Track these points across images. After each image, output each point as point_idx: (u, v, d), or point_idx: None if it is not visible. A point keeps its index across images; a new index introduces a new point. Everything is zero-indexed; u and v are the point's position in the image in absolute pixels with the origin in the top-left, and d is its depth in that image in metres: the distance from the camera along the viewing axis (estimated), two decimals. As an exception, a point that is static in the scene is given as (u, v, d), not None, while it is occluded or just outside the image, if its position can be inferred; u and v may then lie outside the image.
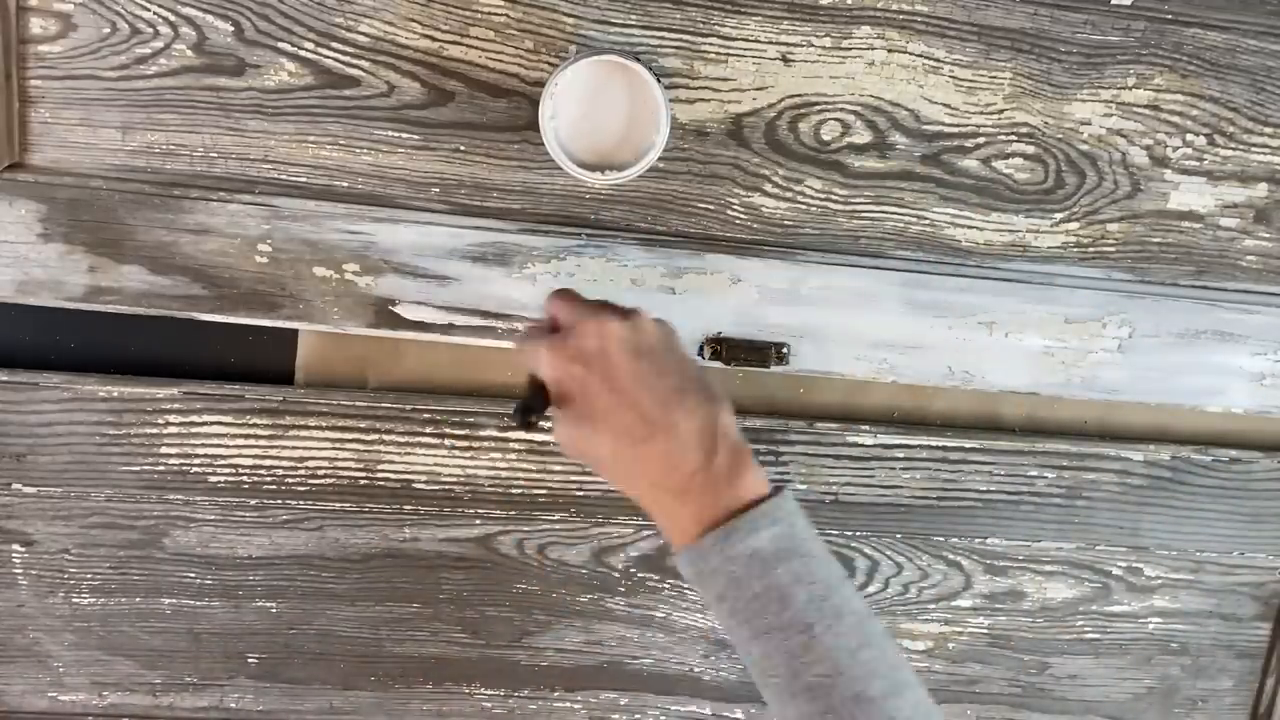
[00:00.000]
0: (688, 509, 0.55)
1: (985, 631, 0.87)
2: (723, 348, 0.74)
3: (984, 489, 0.83)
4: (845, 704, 0.52)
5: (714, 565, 0.54)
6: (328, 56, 0.67)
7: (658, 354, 0.57)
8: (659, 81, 0.65)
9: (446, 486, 0.78)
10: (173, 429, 0.75)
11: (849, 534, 0.83)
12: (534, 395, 0.58)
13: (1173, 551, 0.86)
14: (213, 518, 0.77)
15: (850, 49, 0.69)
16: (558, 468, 0.79)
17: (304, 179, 0.69)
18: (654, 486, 0.56)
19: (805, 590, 0.53)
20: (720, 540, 0.54)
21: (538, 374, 0.58)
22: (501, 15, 0.67)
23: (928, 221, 0.74)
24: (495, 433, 0.77)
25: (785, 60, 0.70)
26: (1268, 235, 0.77)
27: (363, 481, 0.78)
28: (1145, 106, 0.73)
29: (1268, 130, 0.74)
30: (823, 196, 0.73)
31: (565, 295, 0.61)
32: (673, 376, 0.56)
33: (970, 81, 0.71)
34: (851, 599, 0.54)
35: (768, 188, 0.72)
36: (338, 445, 0.77)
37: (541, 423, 0.57)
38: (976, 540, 0.84)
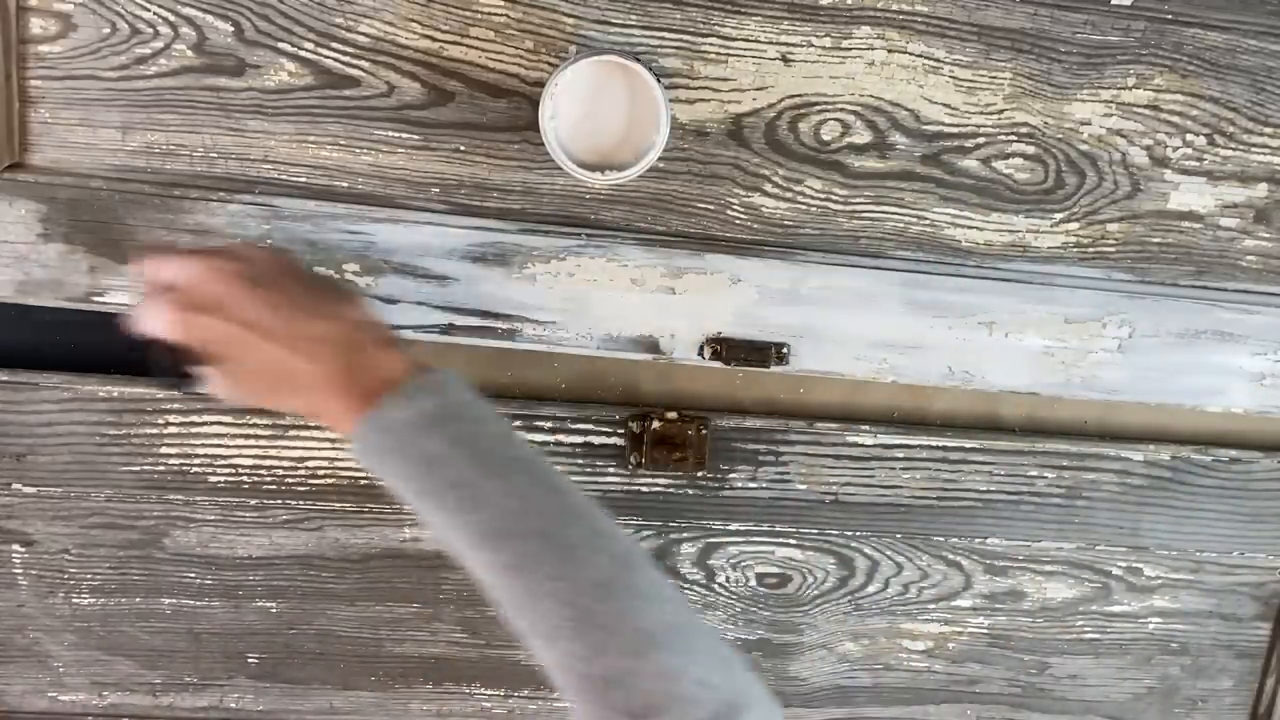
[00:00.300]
0: (347, 404, 0.57)
1: (985, 631, 0.87)
2: (723, 348, 0.74)
3: (984, 489, 0.83)
4: (532, 540, 0.53)
5: (375, 443, 0.56)
6: (328, 56, 0.67)
7: (273, 276, 0.58)
8: (659, 81, 0.65)
9: (446, 486, 0.78)
10: (173, 429, 0.75)
11: (849, 534, 0.83)
12: (170, 361, 0.59)
13: (1173, 551, 0.86)
14: (213, 518, 0.77)
15: (850, 49, 0.69)
16: (558, 468, 0.79)
17: (304, 179, 0.69)
18: (312, 397, 0.57)
19: (464, 449, 0.55)
20: (372, 418, 0.55)
21: (166, 338, 0.58)
22: (501, 15, 0.67)
23: (928, 221, 0.74)
24: (495, 433, 0.77)
25: (785, 60, 0.70)
26: (1268, 235, 0.77)
27: (363, 481, 0.78)
28: (1145, 106, 0.73)
29: (1268, 130, 0.74)
30: (823, 196, 0.73)
31: (160, 254, 0.60)
32: (293, 291, 0.58)
33: (970, 81, 0.71)
34: (521, 456, 0.57)
35: (768, 188, 0.72)
36: (338, 445, 0.76)
37: (195, 380, 0.59)
38: (976, 540, 0.84)
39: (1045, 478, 0.83)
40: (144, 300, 0.59)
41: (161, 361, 0.59)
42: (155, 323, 0.58)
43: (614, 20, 0.68)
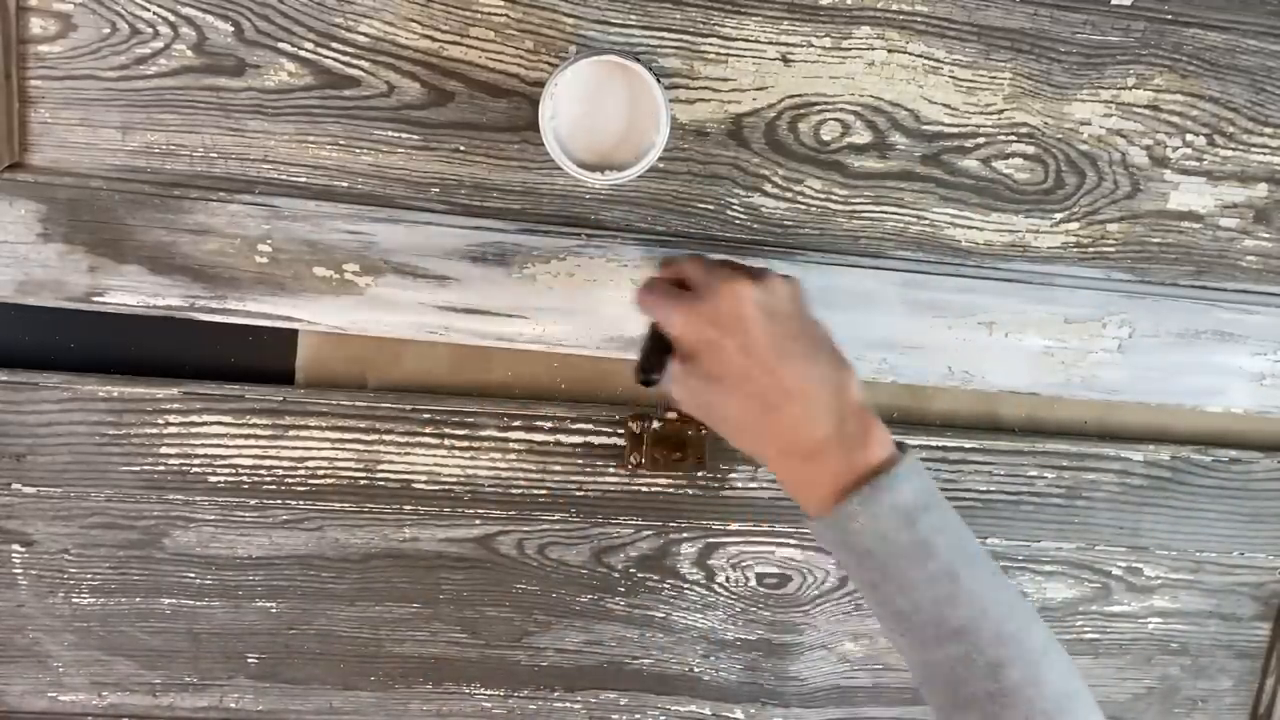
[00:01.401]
0: (823, 474, 0.55)
1: (985, 631, 0.87)
2: (723, 348, 0.74)
3: (984, 489, 0.83)
4: (990, 643, 0.54)
5: (860, 524, 0.55)
6: (328, 56, 0.67)
7: (790, 317, 0.57)
8: (659, 81, 0.65)
9: (446, 486, 0.78)
10: (173, 429, 0.75)
11: (849, 534, 0.83)
12: (654, 350, 0.58)
13: (1173, 551, 0.86)
14: (213, 518, 0.77)
15: (850, 49, 0.69)
16: (558, 468, 0.79)
17: (304, 179, 0.69)
18: (783, 453, 0.56)
19: (944, 539, 0.55)
20: (866, 499, 0.54)
21: (661, 329, 0.58)
22: (501, 15, 0.67)
23: (928, 221, 0.74)
24: (495, 433, 0.77)
25: (785, 60, 0.70)
26: (1268, 235, 0.77)
27: (363, 481, 0.78)
28: (1145, 106, 0.73)
29: (1268, 130, 0.74)
30: (823, 196, 0.73)
31: (694, 257, 0.61)
32: (804, 340, 0.57)
33: (970, 81, 0.71)
34: (976, 543, 0.56)
35: (768, 188, 0.72)
36: (338, 445, 0.77)
37: (660, 376, 0.58)
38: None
39: (1045, 478, 0.83)
40: (654, 286, 0.60)
41: (647, 348, 0.59)
42: (661, 314, 0.58)
43: (614, 20, 0.68)
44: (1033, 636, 0.55)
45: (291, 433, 0.76)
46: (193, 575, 0.79)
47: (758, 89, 0.70)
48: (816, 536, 0.57)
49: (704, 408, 0.58)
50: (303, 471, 0.77)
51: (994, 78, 0.71)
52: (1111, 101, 0.72)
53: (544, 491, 0.79)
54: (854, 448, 0.56)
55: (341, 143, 0.69)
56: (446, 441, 0.77)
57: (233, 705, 0.82)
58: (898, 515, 0.55)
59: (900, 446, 0.58)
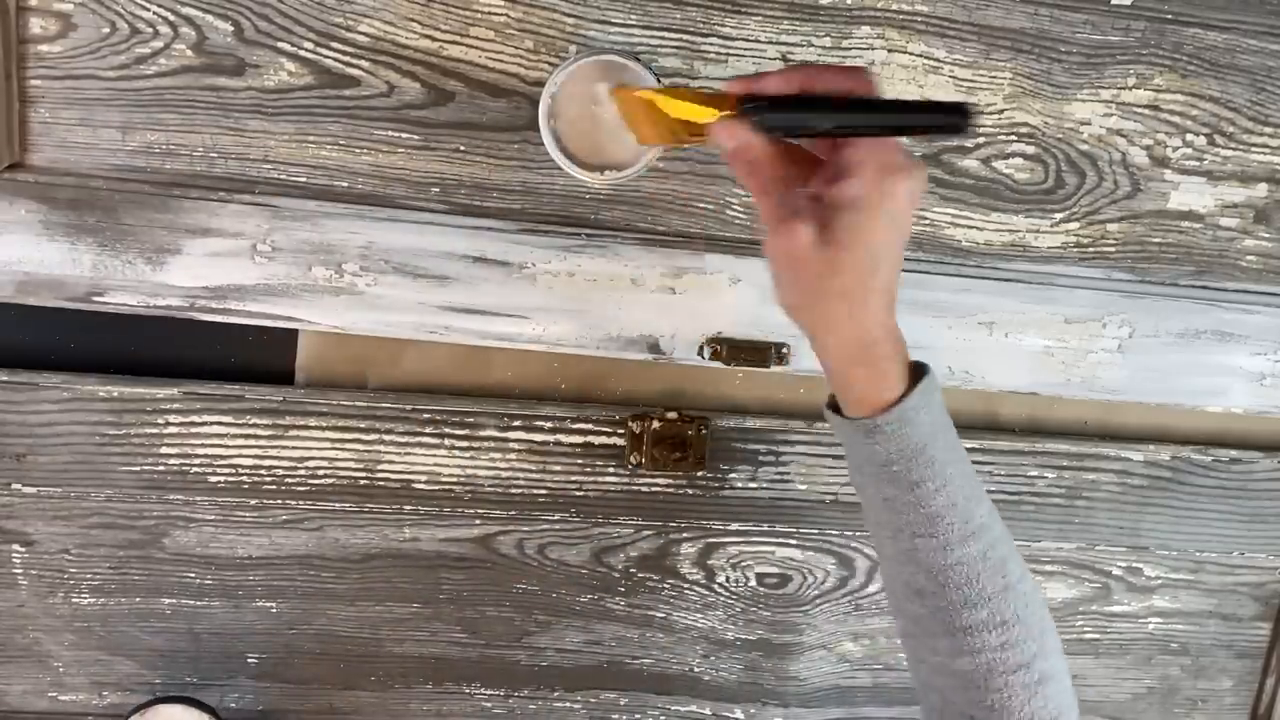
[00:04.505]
0: (890, 367, 0.55)
1: (985, 631, 0.87)
2: (723, 348, 0.74)
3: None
4: (999, 539, 0.57)
5: (921, 420, 0.55)
6: (328, 56, 0.67)
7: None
8: (659, 81, 0.65)
9: (446, 486, 0.78)
10: (173, 429, 0.75)
11: (849, 534, 0.83)
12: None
13: (1173, 551, 0.86)
14: (213, 518, 0.77)
15: (850, 49, 0.69)
16: (558, 468, 0.79)
17: (304, 179, 0.69)
18: (856, 341, 0.55)
19: (960, 451, 0.57)
20: (926, 390, 0.55)
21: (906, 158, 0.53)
22: (501, 15, 0.67)
23: (928, 221, 0.74)
24: (495, 433, 0.77)
25: (785, 60, 0.69)
26: (1268, 235, 0.77)
27: (363, 481, 0.78)
28: (1145, 106, 0.73)
29: (1268, 130, 0.74)
30: (823, 196, 0.73)
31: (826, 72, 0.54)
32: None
33: (970, 81, 0.71)
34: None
35: (768, 188, 0.72)
36: (338, 445, 0.76)
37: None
38: (976, 540, 0.84)
39: (1045, 478, 0.83)
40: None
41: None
42: (905, 169, 0.52)
43: (614, 20, 0.68)
44: (1009, 536, 0.58)
45: (291, 433, 0.76)
46: (193, 575, 0.79)
47: (758, 89, 0.70)
48: (852, 438, 0.56)
49: (819, 276, 0.54)
50: (303, 471, 0.77)
51: (994, 78, 0.71)
52: (1112, 101, 0.72)
53: (544, 491, 0.79)
54: (902, 347, 0.56)
55: (341, 143, 0.69)
56: (446, 441, 0.77)
57: (233, 705, 0.82)
58: (943, 410, 0.56)
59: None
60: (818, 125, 0.53)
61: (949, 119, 0.52)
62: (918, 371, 0.56)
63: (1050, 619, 0.59)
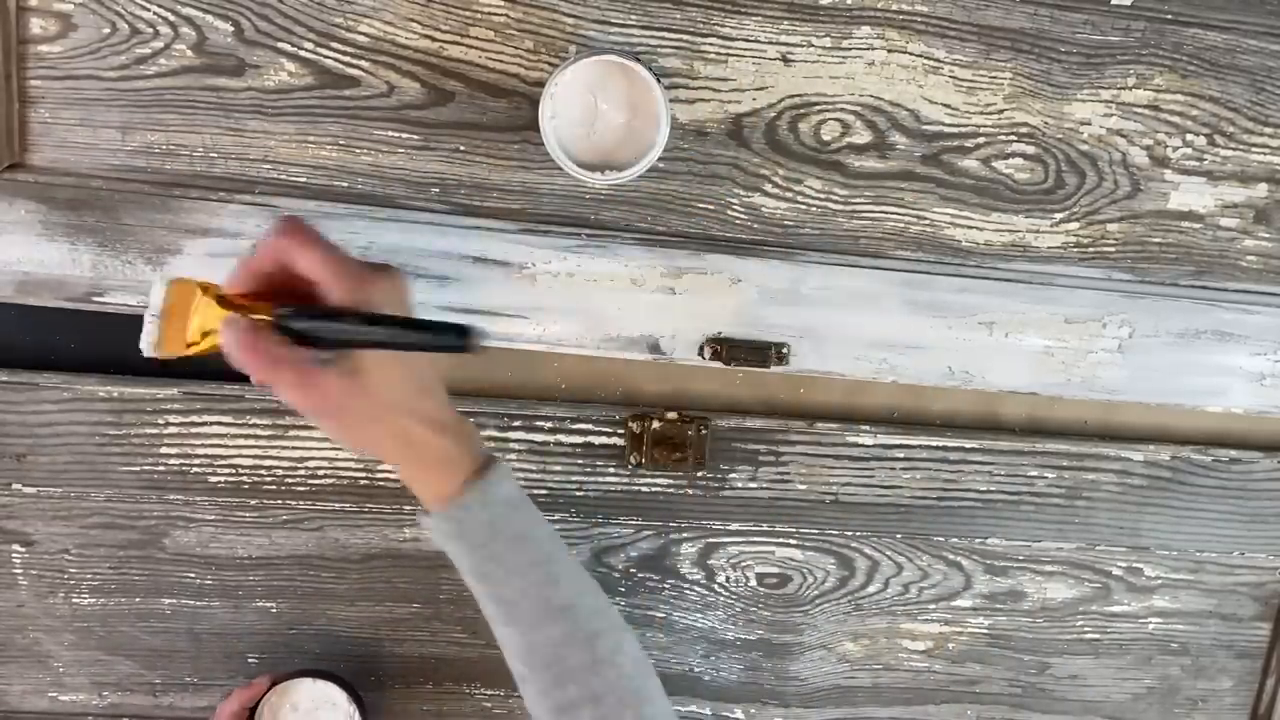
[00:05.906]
0: (440, 478, 0.59)
1: (985, 632, 0.87)
2: (723, 348, 0.74)
3: (984, 489, 0.83)
4: (587, 617, 0.61)
5: (476, 515, 0.59)
6: (328, 56, 0.67)
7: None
8: (659, 81, 0.65)
9: (446, 486, 0.78)
10: (173, 429, 0.75)
11: (849, 534, 0.83)
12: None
13: (1173, 551, 0.86)
14: (213, 518, 0.77)
15: (850, 49, 0.69)
16: (558, 468, 0.79)
17: (304, 179, 0.69)
18: (408, 460, 0.60)
19: (541, 530, 0.62)
20: (480, 493, 0.59)
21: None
22: (501, 15, 0.67)
23: (928, 221, 0.74)
24: (495, 433, 0.77)
25: (785, 60, 0.70)
26: (1268, 235, 0.77)
27: (363, 481, 0.78)
28: (1145, 106, 0.73)
29: (1268, 130, 0.74)
30: (823, 196, 0.73)
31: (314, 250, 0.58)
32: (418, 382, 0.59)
33: (970, 81, 0.71)
34: (556, 535, 0.63)
35: (768, 188, 0.72)
36: (337, 446, 0.76)
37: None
38: (976, 540, 0.84)
39: (1045, 478, 0.83)
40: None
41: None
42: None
43: (614, 20, 0.68)
44: (613, 611, 0.62)
45: (291, 433, 0.76)
46: (193, 575, 0.79)
47: (758, 89, 0.70)
48: (433, 533, 0.61)
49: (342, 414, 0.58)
50: (303, 471, 0.77)
51: (994, 77, 0.71)
52: (1112, 101, 0.72)
53: (544, 491, 0.79)
54: (465, 443, 0.60)
55: (341, 143, 0.69)
56: (446, 441, 0.77)
57: (233, 705, 0.82)
58: (505, 506, 0.60)
59: (492, 455, 0.62)
60: (334, 337, 0.55)
61: (456, 340, 0.54)
62: (486, 465, 0.60)
63: (653, 681, 0.62)
